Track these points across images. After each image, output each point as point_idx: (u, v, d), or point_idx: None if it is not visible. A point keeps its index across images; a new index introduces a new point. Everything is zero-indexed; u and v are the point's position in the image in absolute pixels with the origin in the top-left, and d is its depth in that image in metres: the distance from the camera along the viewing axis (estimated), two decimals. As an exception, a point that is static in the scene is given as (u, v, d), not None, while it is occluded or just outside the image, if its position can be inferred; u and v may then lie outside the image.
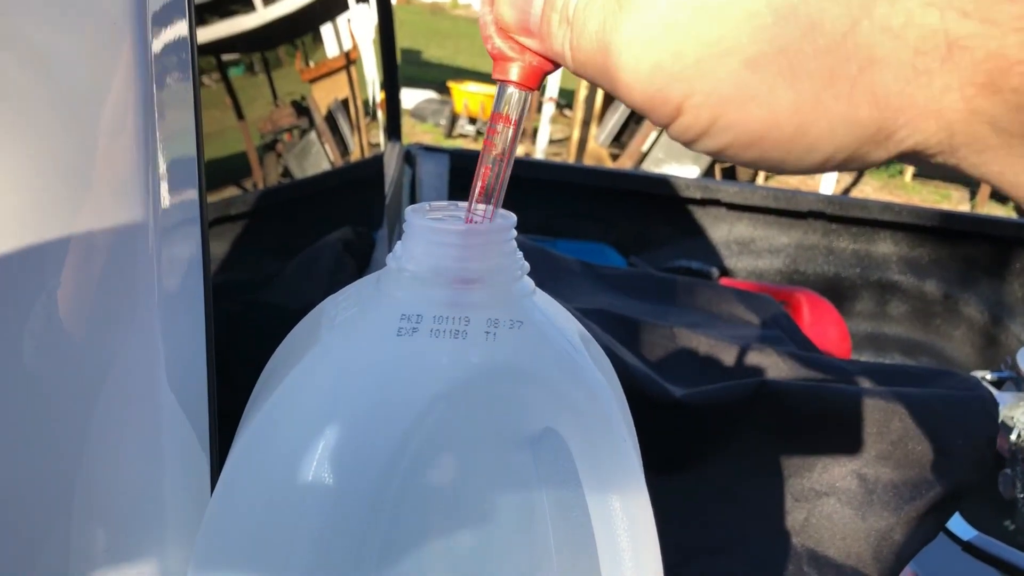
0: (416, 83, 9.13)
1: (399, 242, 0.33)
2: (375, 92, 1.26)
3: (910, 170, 9.24)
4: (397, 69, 1.48)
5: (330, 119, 0.89)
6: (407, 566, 0.30)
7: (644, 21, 0.24)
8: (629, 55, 0.25)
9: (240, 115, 0.61)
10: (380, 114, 1.31)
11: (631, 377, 0.83)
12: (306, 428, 0.30)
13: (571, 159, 7.15)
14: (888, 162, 0.25)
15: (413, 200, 1.61)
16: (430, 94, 8.78)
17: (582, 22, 0.26)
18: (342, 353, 0.31)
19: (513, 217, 0.33)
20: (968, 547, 0.98)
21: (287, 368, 0.32)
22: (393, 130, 1.47)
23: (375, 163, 1.17)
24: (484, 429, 0.31)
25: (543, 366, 0.31)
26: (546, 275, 1.28)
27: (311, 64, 0.86)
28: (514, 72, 0.30)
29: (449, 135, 8.00)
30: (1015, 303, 2.04)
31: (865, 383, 0.92)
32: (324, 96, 0.88)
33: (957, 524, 1.00)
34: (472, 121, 8.04)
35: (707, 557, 0.81)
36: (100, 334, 0.34)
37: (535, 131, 7.73)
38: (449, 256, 0.31)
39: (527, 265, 0.34)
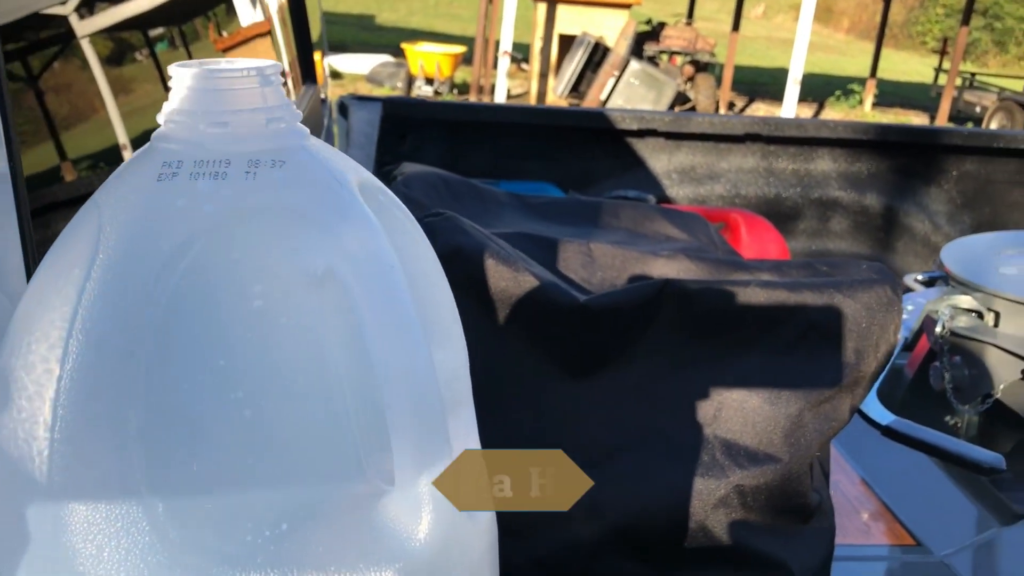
0: (370, 48, 9.02)
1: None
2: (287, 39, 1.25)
3: (869, 100, 9.28)
4: (305, 10, 1.46)
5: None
6: (184, 398, 0.30)
7: None
8: None
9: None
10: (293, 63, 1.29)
11: (536, 286, 0.84)
12: (70, 275, 0.30)
13: (530, 112, 7.08)
14: None
15: (344, 150, 1.60)
16: (385, 58, 8.67)
17: None
18: (106, 203, 0.31)
19: (278, 64, 0.33)
20: (887, 431, 1.00)
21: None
22: (307, 73, 1.45)
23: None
24: (259, 267, 0.31)
25: (309, 205, 0.32)
26: (472, 206, 1.28)
27: (224, 34, 0.85)
28: None
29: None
30: (953, 210, 2.07)
31: (772, 277, 0.94)
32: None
33: (876, 410, 1.02)
34: (429, 81, 7.96)
35: (625, 454, 0.82)
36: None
37: (492, 87, 7.67)
38: (209, 100, 0.31)
39: (299, 113, 0.34)
